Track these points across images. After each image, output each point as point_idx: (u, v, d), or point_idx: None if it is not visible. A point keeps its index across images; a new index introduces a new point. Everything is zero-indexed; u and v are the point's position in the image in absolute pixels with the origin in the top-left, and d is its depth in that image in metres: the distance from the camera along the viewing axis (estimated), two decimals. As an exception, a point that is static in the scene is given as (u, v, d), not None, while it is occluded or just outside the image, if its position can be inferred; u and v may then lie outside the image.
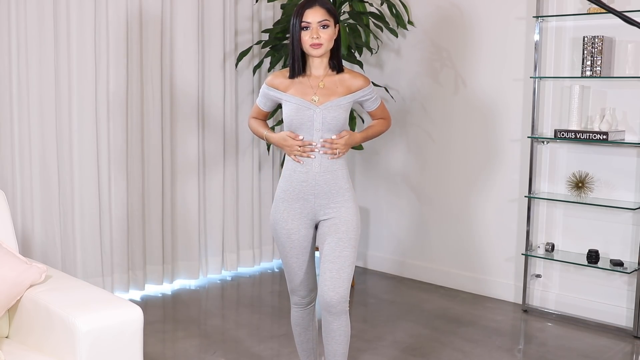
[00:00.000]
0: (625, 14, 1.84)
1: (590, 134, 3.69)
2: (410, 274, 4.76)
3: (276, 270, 4.96)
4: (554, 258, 3.97)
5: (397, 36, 4.50)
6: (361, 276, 4.78)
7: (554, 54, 3.97)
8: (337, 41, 2.56)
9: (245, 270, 4.87)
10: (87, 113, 3.92)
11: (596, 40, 3.67)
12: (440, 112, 4.54)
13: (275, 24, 4.55)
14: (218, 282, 4.65)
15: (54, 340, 2.17)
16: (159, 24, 4.20)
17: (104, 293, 2.34)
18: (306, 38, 2.49)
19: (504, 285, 4.29)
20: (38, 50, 3.72)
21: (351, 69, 4.67)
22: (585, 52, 3.71)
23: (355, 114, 4.41)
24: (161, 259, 4.35)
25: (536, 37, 3.92)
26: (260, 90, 2.68)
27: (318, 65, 2.56)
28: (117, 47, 4.02)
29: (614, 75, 3.74)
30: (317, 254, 2.71)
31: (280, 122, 4.39)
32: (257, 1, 4.67)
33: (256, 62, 4.67)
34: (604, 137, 3.64)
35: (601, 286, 3.88)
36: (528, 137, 4.02)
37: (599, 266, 3.77)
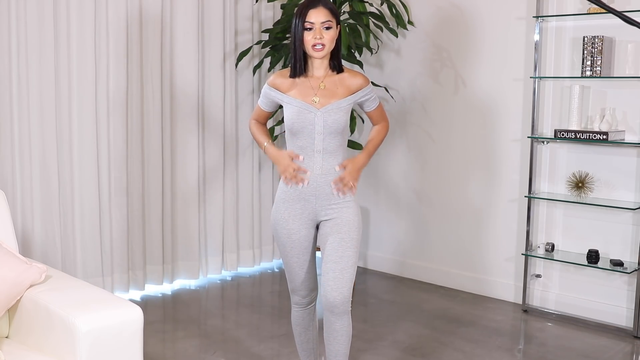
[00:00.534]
0: (625, 14, 1.84)
1: (590, 134, 3.69)
2: (410, 274, 4.76)
3: (276, 270, 4.96)
4: (554, 258, 3.97)
5: (397, 36, 4.50)
6: (361, 276, 4.78)
7: (554, 54, 3.97)
8: (338, 42, 2.56)
9: (245, 270, 4.87)
10: (87, 113, 3.92)
11: (596, 40, 3.67)
12: (440, 112, 4.54)
13: (275, 24, 4.55)
14: (218, 282, 4.65)
15: (54, 340, 2.17)
16: (159, 24, 4.20)
17: (104, 293, 2.34)
18: (309, 38, 2.48)
19: (504, 285, 4.29)
20: (38, 50, 3.72)
21: (351, 68, 4.67)
22: (585, 52, 3.71)
23: (355, 114, 4.42)
24: (161, 259, 4.35)
25: (536, 37, 3.92)
26: (262, 90, 2.68)
27: (319, 65, 2.56)
28: (117, 47, 4.02)
29: (614, 75, 3.74)
30: (318, 254, 2.71)
31: (281, 121, 4.39)
32: (257, 1, 4.67)
33: (256, 62, 4.67)
34: (604, 137, 3.64)
35: (601, 286, 3.88)
36: (528, 137, 4.02)
37: (599, 266, 3.77)
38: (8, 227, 2.52)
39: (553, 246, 3.99)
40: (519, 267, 4.16)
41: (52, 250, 3.86)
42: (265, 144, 2.67)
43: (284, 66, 4.51)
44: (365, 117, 4.70)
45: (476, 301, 4.28)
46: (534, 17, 3.92)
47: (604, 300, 3.87)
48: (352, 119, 4.21)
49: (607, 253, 3.84)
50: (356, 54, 4.38)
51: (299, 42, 2.50)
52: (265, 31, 4.62)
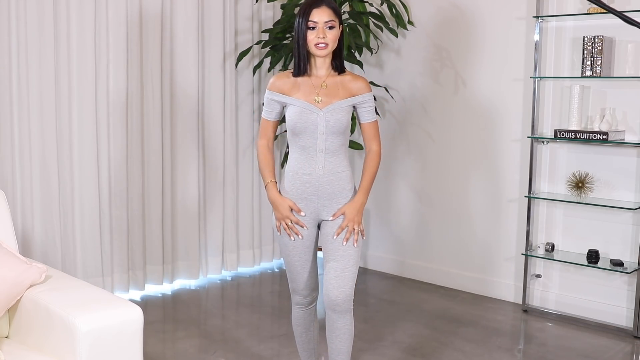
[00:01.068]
0: (625, 14, 1.84)
1: (590, 134, 3.69)
2: (411, 274, 4.76)
3: (276, 270, 4.96)
4: (554, 258, 3.97)
5: (397, 36, 4.51)
6: (361, 276, 4.78)
7: (554, 54, 3.97)
8: (340, 42, 2.56)
9: (245, 270, 4.87)
10: (87, 113, 3.92)
11: (596, 40, 3.67)
12: (440, 112, 4.54)
13: (275, 24, 4.55)
14: (218, 282, 4.65)
15: (54, 340, 2.17)
16: (159, 24, 4.20)
17: (104, 293, 2.34)
18: (312, 37, 2.48)
19: (504, 285, 4.29)
20: (38, 50, 3.72)
21: (351, 69, 4.67)
22: (585, 52, 3.71)
23: (355, 114, 4.41)
24: (161, 259, 4.35)
25: (536, 37, 3.92)
26: (264, 100, 2.65)
27: (321, 65, 2.56)
28: (117, 47, 4.02)
29: (614, 75, 3.74)
30: (320, 254, 2.71)
31: (282, 121, 4.38)
32: (257, 1, 4.67)
33: (256, 62, 4.67)
34: (604, 137, 3.64)
35: (601, 286, 3.88)
36: (528, 137, 4.02)
37: (599, 266, 3.77)
38: (8, 227, 2.52)
39: (553, 246, 3.99)
40: (519, 267, 4.16)
41: (52, 250, 3.86)
42: (269, 182, 2.63)
43: (284, 66, 4.51)
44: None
45: (476, 301, 4.28)
46: (534, 17, 3.92)
47: (604, 300, 3.87)
48: (352, 118, 4.21)
49: (607, 253, 3.84)
50: (356, 54, 4.38)
51: (302, 41, 2.50)
52: (265, 31, 4.62)
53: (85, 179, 3.95)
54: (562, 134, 3.80)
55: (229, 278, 4.73)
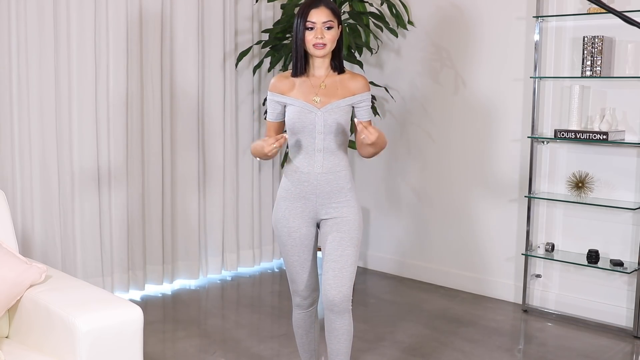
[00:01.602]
0: (625, 14, 1.84)
1: (590, 134, 3.69)
2: (410, 274, 4.76)
3: (276, 270, 4.96)
4: (554, 258, 3.97)
5: (397, 36, 4.51)
6: (361, 276, 4.78)
7: (554, 54, 3.97)
8: (339, 42, 2.56)
9: (245, 270, 4.87)
10: (87, 113, 3.92)
11: (596, 40, 3.67)
12: (440, 112, 4.54)
13: (275, 24, 4.55)
14: (218, 282, 4.65)
15: (54, 340, 2.17)
16: (159, 24, 4.20)
17: (104, 293, 2.34)
18: (310, 38, 2.48)
19: (504, 285, 4.29)
20: (38, 50, 3.72)
21: (351, 69, 4.67)
22: (585, 52, 3.71)
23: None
24: (161, 259, 4.35)
25: (536, 37, 3.92)
26: (267, 102, 2.65)
27: (320, 65, 2.56)
28: (117, 47, 4.02)
29: (614, 75, 3.74)
30: (319, 254, 2.71)
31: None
32: (257, 1, 4.67)
33: (256, 62, 4.67)
34: (604, 137, 3.64)
35: (601, 286, 3.88)
36: (528, 137, 4.02)
37: (599, 266, 3.77)
38: (8, 227, 2.52)
39: (553, 246, 3.99)
40: (519, 267, 4.16)
41: (52, 250, 3.86)
42: (251, 145, 2.59)
43: (284, 66, 4.51)
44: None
45: (476, 301, 4.28)
46: (534, 17, 3.92)
47: (604, 300, 3.87)
48: (352, 118, 4.21)
49: (607, 253, 3.84)
50: (356, 54, 4.38)
51: (300, 41, 2.50)
52: (265, 31, 4.62)
53: (85, 179, 3.95)
54: (562, 134, 3.80)
55: (229, 278, 4.73)
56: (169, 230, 4.40)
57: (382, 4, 4.38)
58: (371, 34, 4.34)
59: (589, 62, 3.71)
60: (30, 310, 2.28)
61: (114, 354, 2.13)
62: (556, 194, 4.00)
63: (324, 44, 2.48)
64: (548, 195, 4.01)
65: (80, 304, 2.18)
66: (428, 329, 3.77)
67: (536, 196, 4.00)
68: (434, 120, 4.58)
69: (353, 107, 2.60)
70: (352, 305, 2.59)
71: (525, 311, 4.08)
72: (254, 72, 4.70)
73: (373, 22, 4.39)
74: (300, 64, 2.54)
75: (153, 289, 4.38)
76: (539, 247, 4.02)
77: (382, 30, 4.50)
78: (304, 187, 2.56)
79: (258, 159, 2.60)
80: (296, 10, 2.82)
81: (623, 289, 3.80)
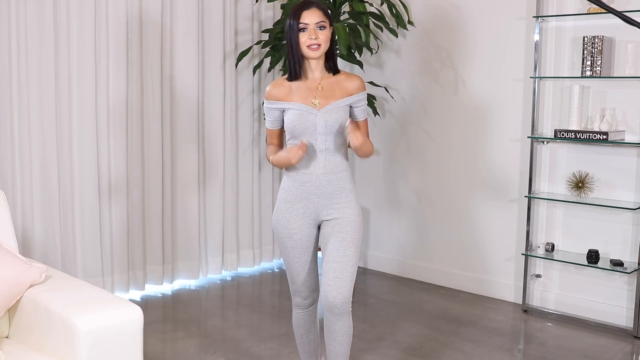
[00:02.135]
0: (625, 14, 1.84)
1: (590, 134, 3.69)
2: (411, 274, 4.76)
3: (276, 270, 4.96)
4: (554, 258, 3.97)
5: (397, 36, 4.50)
6: (361, 276, 4.78)
7: (554, 54, 3.97)
8: (332, 43, 2.56)
9: (245, 270, 4.87)
10: (87, 113, 3.92)
11: (596, 40, 3.67)
12: (440, 112, 4.54)
13: (275, 24, 4.55)
14: (218, 282, 4.65)
15: (54, 340, 2.17)
16: (159, 24, 4.20)
17: (104, 293, 2.34)
18: (304, 39, 2.48)
19: (504, 285, 4.29)
20: (38, 50, 3.72)
21: (351, 69, 4.67)
22: (585, 52, 3.71)
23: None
24: (161, 259, 4.35)
25: (536, 37, 3.92)
26: (264, 110, 2.63)
27: (315, 67, 2.56)
28: (117, 47, 4.02)
29: (614, 75, 3.74)
30: (319, 254, 2.71)
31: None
32: (257, 1, 4.67)
33: (256, 62, 4.67)
34: (604, 137, 3.64)
35: (601, 286, 3.88)
36: (528, 137, 4.02)
37: (599, 266, 3.77)
38: (8, 227, 2.52)
39: (553, 246, 3.99)
40: (519, 267, 4.16)
41: (52, 250, 3.86)
42: (271, 158, 2.58)
43: (284, 66, 4.51)
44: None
45: (476, 301, 4.28)
46: (534, 17, 3.92)
47: (604, 300, 3.87)
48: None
49: (607, 253, 3.84)
50: (356, 54, 4.38)
51: (295, 43, 2.50)
52: (265, 31, 4.62)
53: (85, 179, 3.95)
54: (562, 134, 3.80)
55: (229, 278, 4.73)
56: (169, 230, 4.39)
57: (382, 4, 4.38)
58: (371, 34, 4.34)
59: (589, 62, 3.71)
60: (30, 310, 2.28)
61: (114, 354, 2.13)
62: (556, 194, 4.00)
63: (319, 45, 2.48)
64: (548, 195, 4.01)
65: (80, 304, 2.18)
66: (428, 329, 3.77)
67: (536, 196, 4.00)
68: (434, 120, 4.58)
69: (351, 106, 2.60)
70: (352, 306, 2.59)
71: (525, 311, 4.08)
72: (254, 72, 4.70)
73: (373, 22, 4.38)
74: (296, 68, 2.54)
75: (153, 289, 4.38)
76: (539, 247, 4.02)
77: (382, 30, 4.50)
78: (306, 187, 2.56)
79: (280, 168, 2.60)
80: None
81: (623, 289, 3.80)
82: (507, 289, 4.27)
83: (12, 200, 3.68)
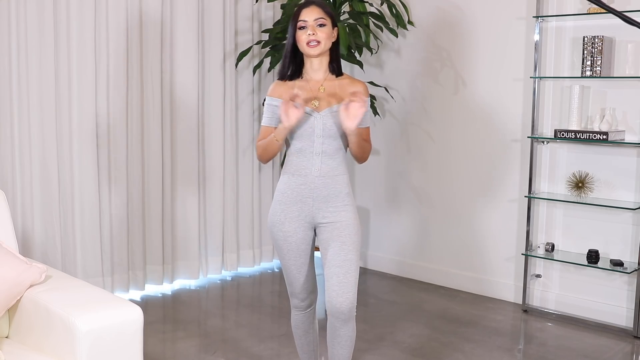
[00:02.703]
0: (625, 14, 1.84)
1: (590, 134, 3.69)
2: (411, 274, 4.76)
3: (276, 270, 4.96)
4: (554, 258, 3.97)
5: (397, 36, 4.50)
6: (361, 276, 4.74)
7: (554, 54, 3.97)
8: (337, 44, 2.55)
9: (245, 270, 4.87)
10: (87, 113, 3.92)
11: (596, 40, 3.67)
12: (440, 112, 4.54)
13: (275, 24, 4.55)
14: (218, 282, 4.65)
15: (54, 340, 2.16)
16: (159, 24, 4.20)
17: (104, 293, 2.33)
18: (303, 37, 2.46)
19: (504, 285, 4.29)
20: (38, 50, 3.72)
21: (351, 69, 4.67)
22: (585, 52, 3.71)
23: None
24: (161, 259, 4.35)
25: (536, 37, 3.92)
26: (264, 107, 2.61)
27: (317, 68, 2.53)
28: (116, 47, 4.02)
29: (614, 75, 3.74)
30: (317, 254, 2.69)
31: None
32: (257, 1, 4.67)
33: (256, 62, 4.67)
34: (604, 137, 3.64)
35: (601, 286, 3.88)
36: (528, 137, 4.02)
37: (599, 266, 3.77)
38: (8, 227, 2.51)
39: (553, 246, 3.99)
40: (519, 267, 4.16)
41: (52, 250, 3.86)
42: (273, 134, 2.53)
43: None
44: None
45: (476, 301, 4.28)
46: (534, 17, 3.92)
47: (604, 300, 3.87)
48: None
49: (607, 253, 3.84)
50: (356, 54, 4.38)
51: (292, 40, 2.49)
52: (265, 31, 4.62)
53: (85, 179, 3.95)
54: (562, 134, 3.80)
55: (229, 278, 4.73)
56: (169, 230, 4.39)
57: (382, 4, 4.38)
58: (371, 34, 4.34)
59: (589, 62, 3.71)
60: (30, 310, 2.28)
61: (114, 354, 2.13)
62: (556, 194, 4.00)
63: (318, 41, 2.45)
64: (548, 195, 4.01)
65: (80, 304, 2.18)
66: (428, 329, 3.77)
67: (536, 196, 4.00)
68: (434, 120, 4.58)
69: None
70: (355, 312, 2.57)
71: (525, 311, 4.08)
72: (254, 72, 4.70)
73: (373, 22, 4.39)
74: (290, 66, 2.52)
75: (153, 289, 4.38)
76: (539, 247, 4.02)
77: (382, 30, 4.50)
78: (301, 190, 2.54)
79: (263, 160, 2.58)
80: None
81: (623, 289, 3.80)
82: (507, 289, 4.28)
83: (12, 200, 3.68)
